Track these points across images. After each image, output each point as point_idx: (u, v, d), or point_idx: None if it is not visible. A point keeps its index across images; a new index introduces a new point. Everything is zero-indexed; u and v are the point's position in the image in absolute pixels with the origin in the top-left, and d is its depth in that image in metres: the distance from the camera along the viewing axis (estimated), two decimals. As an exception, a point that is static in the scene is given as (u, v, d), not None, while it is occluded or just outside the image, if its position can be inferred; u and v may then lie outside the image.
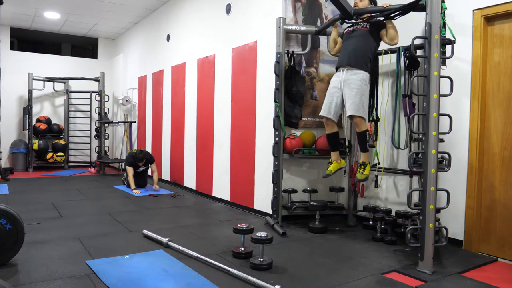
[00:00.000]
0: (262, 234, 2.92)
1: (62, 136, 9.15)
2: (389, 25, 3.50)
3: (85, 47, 10.36)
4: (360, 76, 3.52)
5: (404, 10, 3.31)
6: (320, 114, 3.80)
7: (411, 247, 3.25)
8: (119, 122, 8.92)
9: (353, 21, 3.68)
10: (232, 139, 5.19)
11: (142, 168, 6.33)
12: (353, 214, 4.40)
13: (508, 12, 3.25)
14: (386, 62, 4.14)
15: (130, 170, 6.20)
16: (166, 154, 7.10)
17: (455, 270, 2.95)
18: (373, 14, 3.54)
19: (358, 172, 3.66)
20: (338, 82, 3.63)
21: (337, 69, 3.75)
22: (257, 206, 4.70)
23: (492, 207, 3.40)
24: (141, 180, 6.33)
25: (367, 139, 3.63)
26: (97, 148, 8.75)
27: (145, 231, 3.69)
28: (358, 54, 3.56)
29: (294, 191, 4.30)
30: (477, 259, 3.24)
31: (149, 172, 6.70)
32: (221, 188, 5.43)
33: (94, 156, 9.06)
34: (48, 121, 9.03)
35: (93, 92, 9.01)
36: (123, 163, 7.52)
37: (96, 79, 8.84)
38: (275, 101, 4.12)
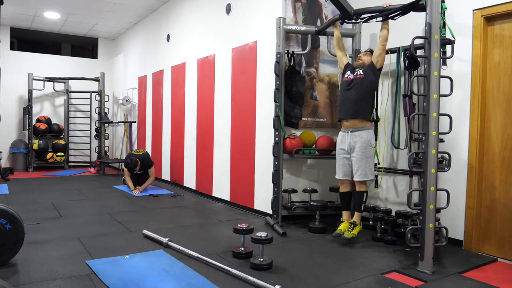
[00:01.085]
0: (262, 234, 2.93)
1: (62, 136, 9.15)
2: (385, 25, 3.53)
3: (85, 47, 10.36)
4: (364, 137, 3.61)
5: (404, 10, 3.31)
6: (336, 177, 3.87)
7: (411, 247, 3.24)
8: (119, 122, 8.92)
9: (353, 21, 3.68)
10: (232, 139, 5.19)
11: (139, 172, 6.28)
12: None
13: (508, 12, 3.25)
14: (386, 62, 4.12)
15: (126, 172, 6.22)
16: (166, 154, 7.10)
17: (455, 270, 2.95)
18: (373, 14, 3.54)
19: (346, 230, 3.61)
20: (345, 145, 3.71)
21: (339, 120, 3.82)
22: (257, 206, 4.70)
23: (492, 207, 3.39)
24: (142, 180, 6.31)
25: (364, 200, 3.67)
26: (97, 148, 8.76)
27: (145, 231, 3.69)
28: (358, 104, 3.63)
29: (294, 191, 4.30)
30: (477, 259, 3.24)
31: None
32: (221, 188, 5.43)
33: (94, 156, 9.06)
34: (48, 121, 9.03)
35: (93, 92, 9.01)
36: (123, 163, 7.50)
37: (96, 79, 8.84)
38: (275, 101, 4.12)
